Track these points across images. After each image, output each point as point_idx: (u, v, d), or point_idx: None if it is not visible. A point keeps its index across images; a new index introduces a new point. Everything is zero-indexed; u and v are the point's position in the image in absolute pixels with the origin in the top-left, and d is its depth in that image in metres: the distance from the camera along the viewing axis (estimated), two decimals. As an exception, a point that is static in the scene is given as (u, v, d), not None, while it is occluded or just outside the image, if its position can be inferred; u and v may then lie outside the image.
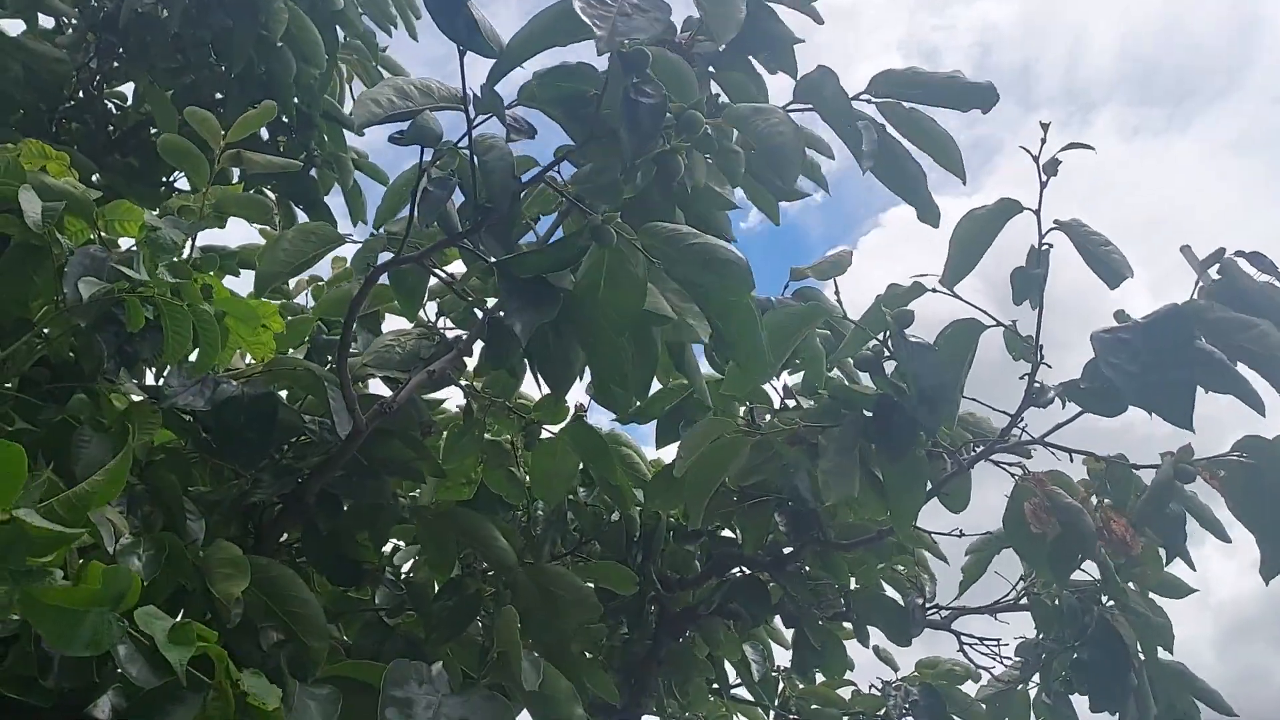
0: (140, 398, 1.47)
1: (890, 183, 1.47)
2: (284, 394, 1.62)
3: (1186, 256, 1.48)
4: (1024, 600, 2.03)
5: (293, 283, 2.03)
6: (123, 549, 1.13)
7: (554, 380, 1.34)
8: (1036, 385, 1.62)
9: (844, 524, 1.91)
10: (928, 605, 2.07)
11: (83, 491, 0.87)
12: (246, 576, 1.25)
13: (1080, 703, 1.91)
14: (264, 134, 2.31)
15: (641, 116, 1.17)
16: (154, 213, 1.46)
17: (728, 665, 2.24)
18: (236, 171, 1.82)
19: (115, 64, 2.23)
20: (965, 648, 2.12)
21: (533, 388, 1.94)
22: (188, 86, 2.22)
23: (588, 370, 1.46)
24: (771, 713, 2.27)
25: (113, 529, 1.08)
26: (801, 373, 1.90)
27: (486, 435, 1.88)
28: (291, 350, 1.73)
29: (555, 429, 1.84)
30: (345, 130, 2.43)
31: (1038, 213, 1.53)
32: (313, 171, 2.37)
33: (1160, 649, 1.85)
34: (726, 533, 2.09)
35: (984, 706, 2.08)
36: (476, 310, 1.68)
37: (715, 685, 2.26)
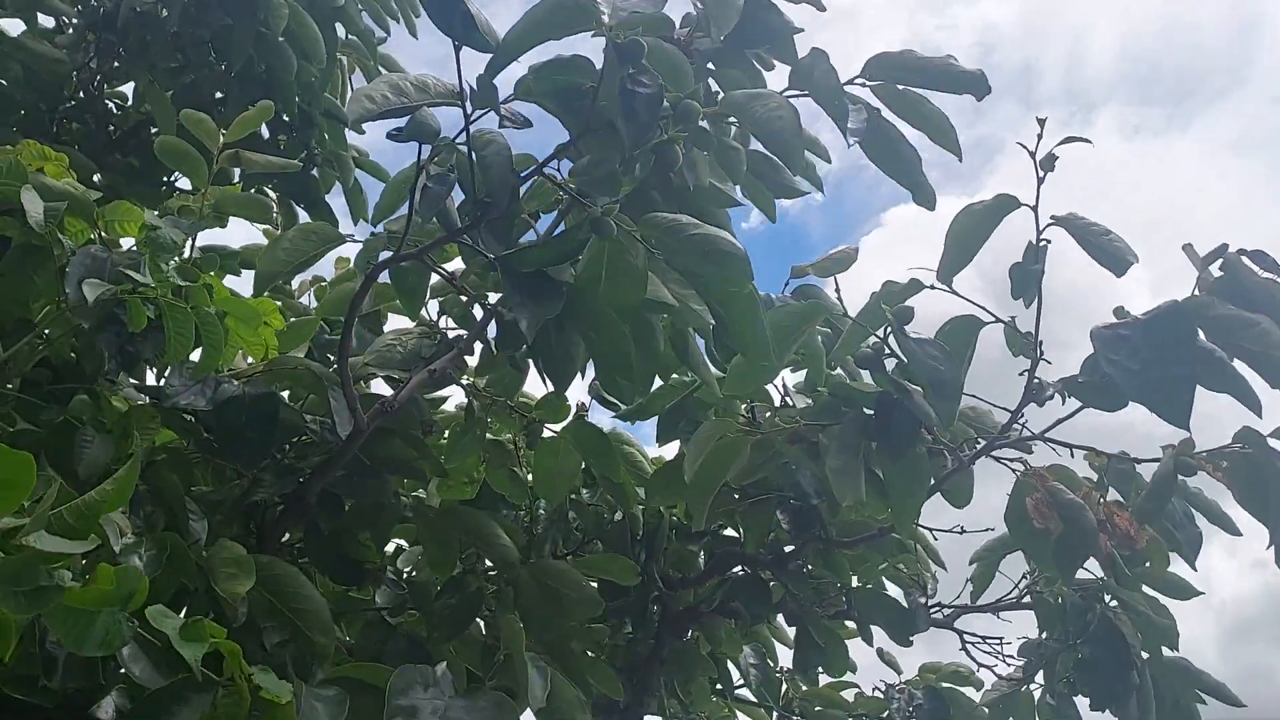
0: (140, 400, 1.47)
1: (885, 166, 1.47)
2: (285, 394, 1.63)
3: (1188, 255, 1.47)
4: (1027, 599, 2.02)
5: (295, 283, 2.03)
6: (124, 549, 1.13)
7: (557, 375, 1.34)
8: (1036, 381, 1.62)
9: (845, 521, 1.91)
10: (930, 604, 2.07)
11: (92, 500, 0.87)
12: (252, 576, 1.26)
13: (1084, 703, 1.91)
14: (264, 132, 2.31)
15: (638, 107, 1.17)
16: (154, 213, 1.46)
17: (731, 665, 2.24)
18: (237, 170, 1.82)
19: (115, 64, 2.22)
20: (968, 646, 2.12)
21: (533, 387, 1.95)
22: (188, 85, 2.22)
23: (589, 368, 1.47)
24: (775, 714, 2.27)
25: (118, 529, 1.08)
26: (803, 371, 1.90)
27: (488, 434, 1.88)
28: (293, 350, 1.73)
29: (557, 428, 1.84)
30: (346, 128, 2.43)
31: (1035, 208, 1.52)
32: (314, 170, 2.36)
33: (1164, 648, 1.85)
34: (729, 531, 2.09)
35: (987, 711, 2.07)
36: (476, 308, 1.69)
37: (719, 686, 2.26)
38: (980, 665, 2.12)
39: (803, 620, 2.04)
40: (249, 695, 0.95)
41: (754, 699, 2.26)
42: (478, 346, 1.65)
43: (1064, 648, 1.89)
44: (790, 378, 1.96)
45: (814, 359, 1.83)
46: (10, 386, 1.37)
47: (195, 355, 1.39)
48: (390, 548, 1.93)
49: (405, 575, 1.88)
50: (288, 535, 1.61)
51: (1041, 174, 1.52)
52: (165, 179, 2.26)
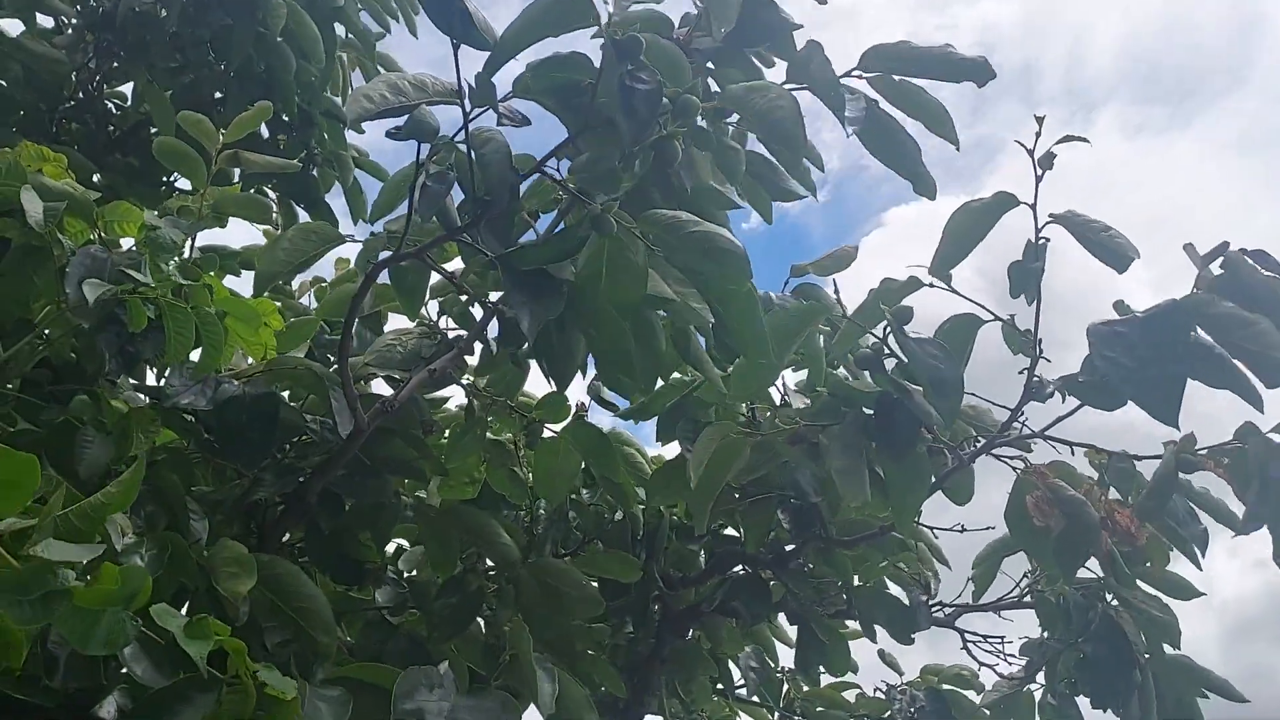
0: (141, 402, 1.47)
1: (884, 157, 1.46)
2: (285, 394, 1.63)
3: (1190, 254, 1.46)
4: (1028, 598, 2.02)
5: (295, 283, 2.03)
6: (126, 548, 1.13)
7: (558, 373, 1.34)
8: (1036, 380, 1.62)
9: (846, 520, 1.91)
10: (931, 603, 2.06)
11: (98, 501, 0.88)
12: (253, 575, 1.26)
13: (1086, 703, 1.90)
14: (264, 132, 2.31)
15: (637, 103, 1.17)
16: (154, 213, 1.46)
17: (732, 665, 2.24)
18: (237, 170, 1.82)
19: (114, 64, 2.22)
20: (969, 645, 2.11)
21: (533, 387, 1.95)
22: (187, 85, 2.21)
23: (589, 366, 1.47)
24: (776, 714, 2.27)
25: (119, 529, 1.08)
26: (804, 370, 1.90)
27: (489, 434, 1.88)
28: (294, 350, 1.73)
29: (557, 428, 1.84)
30: (345, 128, 2.43)
31: (1033, 206, 1.52)
32: (313, 170, 2.36)
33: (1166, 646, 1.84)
34: (730, 531, 2.09)
35: (988, 712, 2.07)
36: (476, 307, 1.69)
37: (719, 685, 2.26)
38: (982, 664, 2.11)
39: (804, 619, 2.04)
40: (254, 692, 0.95)
41: (754, 698, 2.26)
42: (478, 346, 1.65)
43: (1065, 647, 1.89)
44: (791, 377, 1.96)
45: (814, 359, 1.83)
46: (10, 386, 1.37)
47: (195, 355, 1.40)
48: (391, 548, 1.93)
49: (406, 575, 1.88)
50: (288, 535, 1.61)
51: (1040, 172, 1.52)
52: (165, 179, 2.26)
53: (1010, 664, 2.08)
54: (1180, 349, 1.36)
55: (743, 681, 2.24)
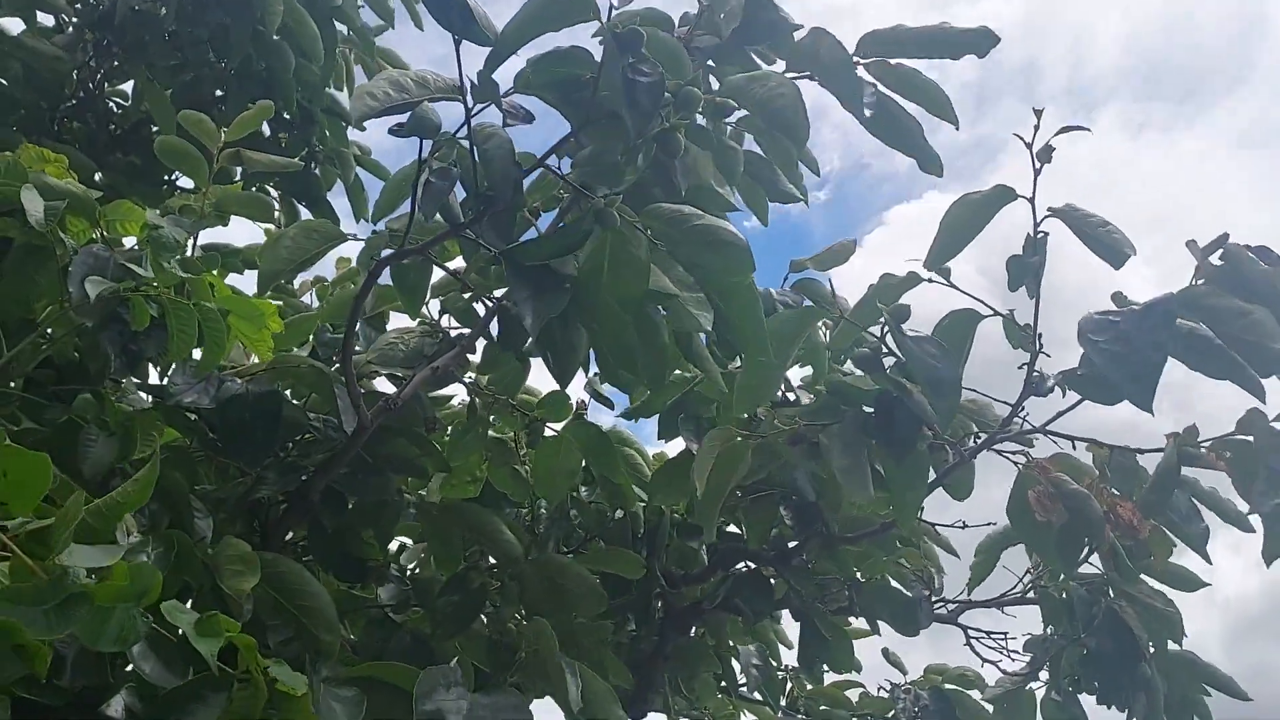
0: (145, 403, 1.47)
1: (888, 138, 1.45)
2: (288, 392, 1.63)
3: (1192, 250, 1.46)
4: (1031, 593, 2.02)
5: (297, 283, 2.03)
6: (132, 547, 1.13)
7: (560, 368, 1.34)
8: (1036, 375, 1.62)
9: (847, 517, 1.91)
10: (934, 598, 2.07)
11: (113, 501, 0.88)
12: (257, 572, 1.26)
13: (1089, 700, 1.90)
14: (265, 130, 2.31)
15: (640, 95, 1.17)
16: (156, 212, 1.46)
17: (735, 663, 2.24)
18: (238, 169, 1.82)
19: (115, 63, 2.22)
20: (972, 642, 2.11)
21: (534, 384, 1.95)
22: (187, 84, 2.21)
23: (589, 364, 1.47)
24: (779, 712, 2.27)
25: (124, 528, 1.08)
26: (808, 367, 1.90)
27: (491, 432, 1.88)
28: (295, 348, 1.73)
29: (558, 426, 1.84)
30: (347, 126, 2.43)
31: (1031, 199, 1.50)
32: (315, 168, 2.36)
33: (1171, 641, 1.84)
34: (732, 528, 2.09)
35: (991, 708, 2.07)
36: (478, 305, 1.69)
37: (723, 684, 2.26)
38: (985, 661, 2.11)
39: (807, 616, 2.04)
40: (265, 689, 0.95)
41: (758, 696, 2.26)
42: (480, 344, 1.65)
43: (1069, 643, 1.89)
44: (795, 373, 1.95)
45: (816, 355, 1.83)
46: (14, 386, 1.37)
47: (197, 354, 1.40)
48: (393, 545, 1.93)
49: (408, 572, 1.89)
50: (291, 533, 1.61)
51: (1038, 165, 1.51)
52: (166, 177, 2.26)
53: (1014, 660, 2.08)
54: (1162, 335, 1.35)
55: (744, 680, 2.24)
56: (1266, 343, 1.36)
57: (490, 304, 1.60)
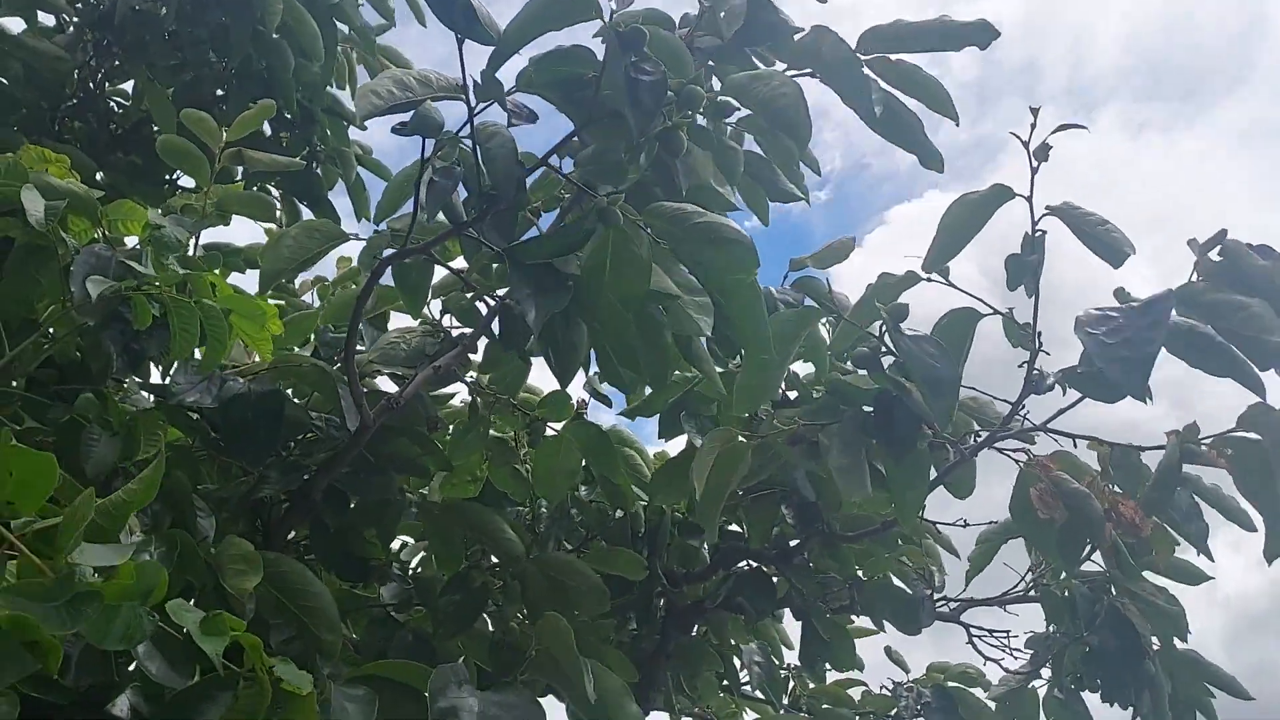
0: (148, 404, 1.47)
1: (891, 135, 1.45)
2: (289, 391, 1.63)
3: (1193, 249, 1.47)
4: (1033, 592, 2.02)
5: (298, 282, 2.03)
6: (134, 547, 1.13)
7: (562, 367, 1.34)
8: (1036, 372, 1.62)
9: (849, 516, 1.92)
10: (936, 597, 2.07)
11: (120, 499, 0.88)
12: (259, 572, 1.26)
13: (1092, 699, 1.90)
14: (266, 129, 2.30)
15: (643, 94, 1.17)
16: (157, 211, 1.46)
17: (737, 662, 2.24)
18: (240, 168, 1.82)
19: (116, 62, 2.22)
20: (974, 640, 2.12)
21: (535, 382, 1.95)
22: (188, 83, 2.21)
23: (589, 363, 1.47)
24: (781, 710, 2.27)
25: (128, 527, 1.08)
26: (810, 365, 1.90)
27: (491, 432, 1.88)
28: (296, 348, 1.73)
29: (558, 426, 1.84)
30: (348, 125, 2.42)
31: (1029, 198, 1.50)
32: (317, 168, 2.36)
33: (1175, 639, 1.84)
34: (734, 527, 2.09)
35: (993, 705, 2.07)
36: (480, 304, 1.69)
37: (725, 682, 2.26)
38: (987, 659, 2.12)
39: (808, 615, 2.04)
40: (270, 688, 0.95)
41: (760, 695, 2.26)
42: (482, 343, 1.65)
43: (1072, 640, 1.89)
44: (802, 370, 1.95)
45: (817, 353, 1.83)
46: (16, 386, 1.37)
47: (198, 353, 1.40)
48: (394, 544, 1.93)
49: (410, 571, 1.89)
50: (293, 532, 1.61)
51: (1035, 164, 1.51)
52: (168, 177, 2.26)
53: (1016, 658, 2.08)
54: (1157, 328, 1.35)
55: (747, 678, 2.24)
56: (1265, 336, 1.35)
57: (491, 303, 1.60)
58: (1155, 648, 1.82)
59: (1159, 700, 1.75)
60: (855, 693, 2.28)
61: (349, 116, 2.40)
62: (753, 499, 1.91)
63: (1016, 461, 1.63)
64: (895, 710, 2.17)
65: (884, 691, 2.24)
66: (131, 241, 1.39)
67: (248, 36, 2.10)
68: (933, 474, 1.66)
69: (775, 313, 1.65)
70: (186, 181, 2.22)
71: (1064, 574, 1.89)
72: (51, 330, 1.39)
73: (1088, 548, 1.56)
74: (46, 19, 2.21)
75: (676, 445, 2.01)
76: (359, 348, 1.62)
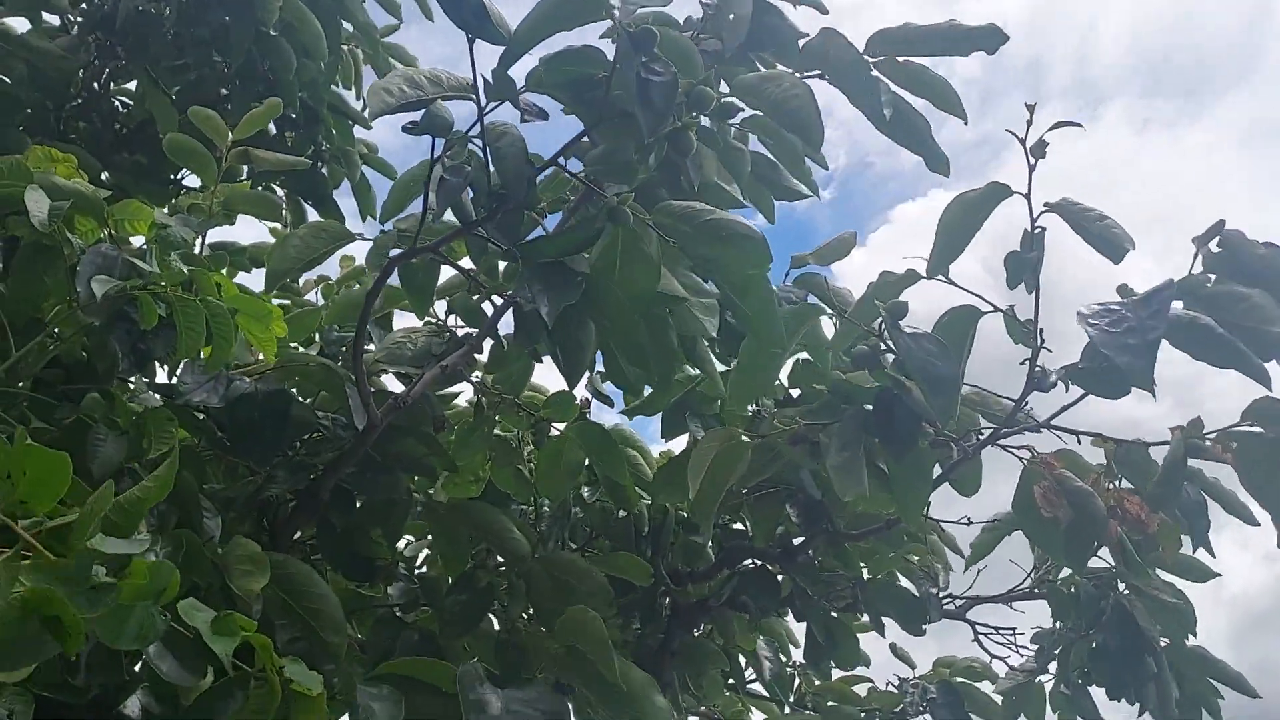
0: (156, 402, 1.47)
1: (899, 137, 1.45)
2: (295, 390, 1.62)
3: (1194, 243, 1.47)
4: (1039, 589, 2.03)
5: (301, 281, 2.03)
6: (141, 546, 1.13)
7: (569, 366, 1.34)
8: (1038, 370, 1.62)
9: (854, 514, 1.92)
10: (942, 594, 2.07)
11: (134, 496, 0.88)
12: (266, 573, 1.26)
13: (1098, 694, 1.90)
14: (271, 129, 2.30)
15: (654, 94, 1.17)
16: (164, 211, 1.46)
17: (742, 659, 2.24)
18: (245, 167, 1.81)
19: (121, 62, 2.21)
20: (980, 637, 2.12)
21: (537, 381, 1.95)
22: (192, 83, 2.21)
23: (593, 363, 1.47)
24: (787, 708, 2.28)
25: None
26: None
27: (496, 431, 1.89)
28: (300, 347, 1.73)
29: (561, 426, 1.84)
30: (353, 124, 2.42)
31: (1027, 195, 1.50)
32: (322, 167, 2.36)
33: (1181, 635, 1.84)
34: (738, 525, 2.09)
35: (999, 699, 2.07)
36: (486, 304, 1.69)
37: (730, 680, 2.26)
38: (993, 656, 2.12)
39: (811, 615, 2.04)
40: (280, 689, 0.95)
41: (765, 693, 2.26)
42: (486, 343, 1.65)
43: (1078, 637, 1.89)
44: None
45: (818, 349, 1.83)
46: (22, 386, 1.37)
47: (204, 353, 1.39)
48: (401, 543, 1.93)
49: (417, 571, 1.89)
50: (300, 532, 1.61)
51: (1033, 161, 1.51)
52: (173, 176, 2.25)
53: (1022, 656, 2.08)
54: (1161, 318, 1.35)
55: (753, 676, 2.24)
56: (1266, 327, 1.35)
57: (497, 303, 1.60)
58: (1162, 644, 1.83)
59: (1165, 696, 1.75)
60: (861, 689, 2.28)
61: (354, 115, 2.40)
62: (757, 497, 1.91)
63: (1020, 459, 1.63)
64: (901, 706, 2.16)
65: (890, 688, 2.24)
66: (138, 241, 1.39)
67: (249, 36, 2.09)
68: (937, 471, 1.66)
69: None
70: (191, 181, 2.22)
71: (1068, 571, 1.90)
72: (58, 330, 1.39)
73: (1094, 547, 1.56)
74: (51, 19, 2.21)
75: (679, 445, 2.02)
76: (366, 347, 1.62)
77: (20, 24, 2.12)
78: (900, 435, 1.57)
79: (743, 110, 1.44)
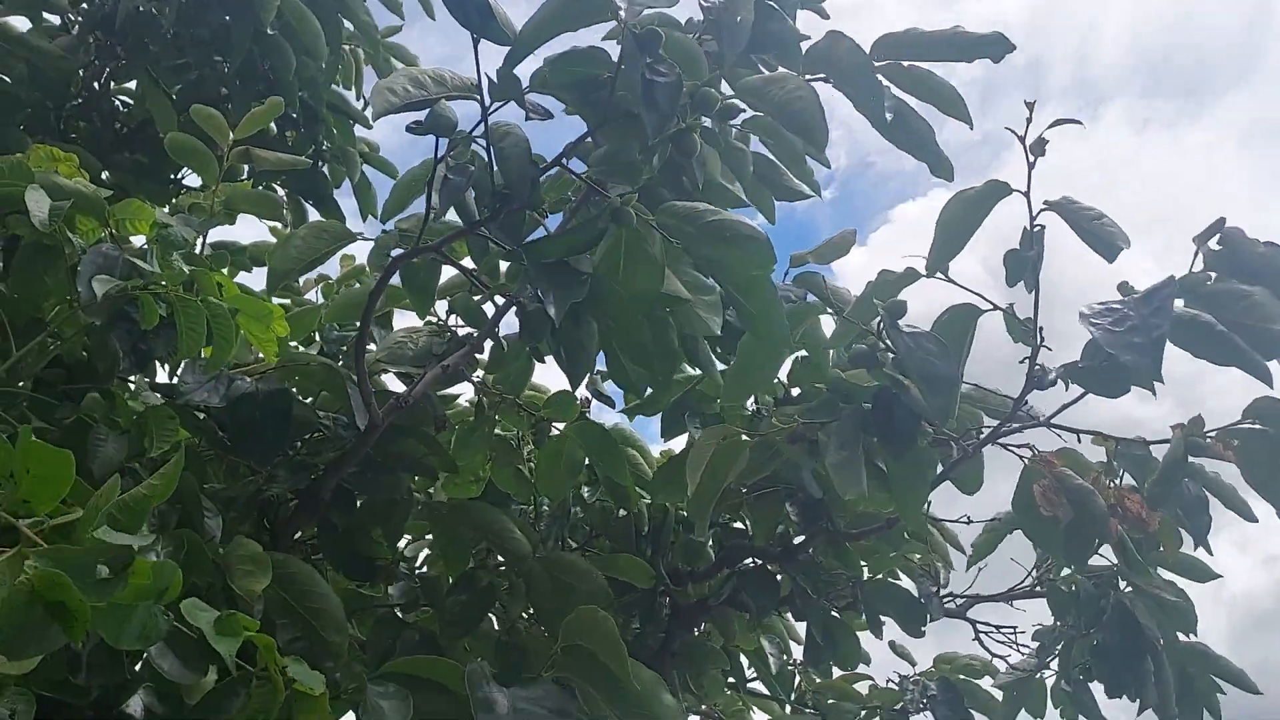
0: (157, 401, 1.47)
1: (901, 142, 1.45)
2: (296, 390, 1.62)
3: (1195, 242, 1.47)
4: (1040, 588, 2.03)
5: (301, 281, 2.03)
6: (142, 546, 1.13)
7: (573, 366, 1.34)
8: (1038, 368, 1.62)
9: (854, 513, 1.92)
10: (942, 593, 2.07)
11: (140, 494, 0.88)
12: (268, 573, 1.26)
13: (1099, 690, 1.90)
14: (272, 128, 2.30)
15: (659, 95, 1.18)
16: (165, 210, 1.46)
17: (743, 658, 2.24)
18: (246, 167, 1.81)
19: (121, 62, 2.21)
20: (981, 636, 2.12)
21: (537, 380, 1.95)
22: (192, 83, 2.21)
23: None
24: (788, 707, 2.28)
25: (135, 526, 1.08)
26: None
27: (496, 431, 1.89)
28: (300, 346, 1.73)
29: (561, 426, 1.84)
30: (354, 124, 2.42)
31: (1026, 193, 1.49)
32: (323, 166, 2.36)
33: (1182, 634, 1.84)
34: (738, 524, 2.09)
35: (999, 693, 2.07)
36: (487, 305, 1.69)
37: (731, 679, 2.26)
38: (994, 655, 2.12)
39: (811, 614, 2.04)
40: (283, 689, 0.95)
41: (766, 692, 2.26)
42: (487, 344, 1.65)
43: (1079, 635, 1.89)
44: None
45: (816, 348, 1.83)
46: (23, 385, 1.37)
47: (205, 353, 1.39)
48: (402, 543, 1.93)
49: (416, 571, 1.88)
50: (301, 532, 1.61)
51: (1032, 159, 1.51)
52: (173, 176, 2.25)
53: (1022, 654, 2.08)
54: (1165, 315, 1.35)
55: (754, 675, 2.24)
56: (1267, 325, 1.35)
57: (499, 303, 1.60)
58: (1162, 643, 1.83)
59: (1165, 694, 1.75)
60: (862, 686, 2.28)
61: (354, 115, 2.40)
62: (757, 496, 1.91)
63: (1021, 458, 1.63)
64: (901, 704, 2.16)
65: (890, 685, 2.24)
66: (138, 241, 1.39)
67: (249, 36, 2.09)
68: (938, 469, 1.66)
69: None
70: (192, 180, 2.21)
71: (1068, 570, 1.90)
72: (58, 330, 1.39)
73: (1094, 545, 1.56)
74: (51, 19, 2.20)
75: (679, 444, 2.02)
76: (368, 346, 1.62)
77: (20, 23, 2.11)
78: (899, 434, 1.57)
79: (744, 111, 1.44)
